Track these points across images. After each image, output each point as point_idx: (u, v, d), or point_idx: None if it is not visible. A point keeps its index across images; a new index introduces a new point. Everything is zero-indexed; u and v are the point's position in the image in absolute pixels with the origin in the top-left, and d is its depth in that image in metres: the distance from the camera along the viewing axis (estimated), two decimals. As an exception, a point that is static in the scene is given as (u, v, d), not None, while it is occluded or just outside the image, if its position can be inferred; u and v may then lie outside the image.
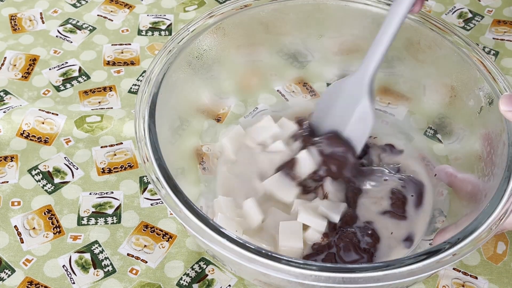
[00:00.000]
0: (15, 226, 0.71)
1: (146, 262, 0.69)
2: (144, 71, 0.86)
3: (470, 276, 0.69)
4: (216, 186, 0.71)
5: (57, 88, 0.84)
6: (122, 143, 0.79)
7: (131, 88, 0.84)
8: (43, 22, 0.92)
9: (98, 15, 0.93)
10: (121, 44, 0.89)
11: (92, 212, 0.73)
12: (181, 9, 0.94)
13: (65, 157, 0.77)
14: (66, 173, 0.76)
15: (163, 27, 0.92)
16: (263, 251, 0.55)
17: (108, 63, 0.87)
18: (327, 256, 0.65)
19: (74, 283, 0.67)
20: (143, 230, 0.71)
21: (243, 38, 0.75)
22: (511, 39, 0.90)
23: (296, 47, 0.78)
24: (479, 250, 0.70)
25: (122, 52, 0.88)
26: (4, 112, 0.80)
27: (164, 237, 0.71)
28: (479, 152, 0.68)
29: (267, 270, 0.54)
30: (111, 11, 0.94)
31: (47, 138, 0.79)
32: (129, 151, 0.78)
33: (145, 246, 0.70)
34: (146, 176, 0.75)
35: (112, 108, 0.81)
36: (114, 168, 0.76)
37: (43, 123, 0.79)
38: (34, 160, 0.77)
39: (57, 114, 0.80)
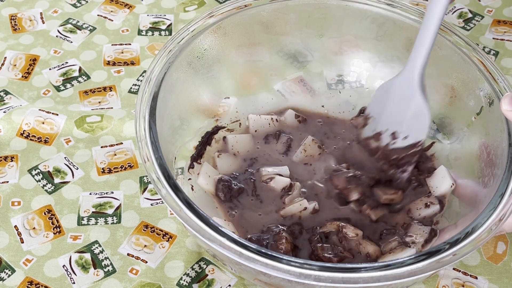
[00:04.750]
0: (15, 226, 0.71)
1: (146, 262, 0.69)
2: (144, 71, 0.86)
3: (470, 276, 0.69)
4: None
5: (57, 88, 0.84)
6: (122, 143, 0.79)
7: (131, 88, 0.84)
8: (43, 22, 0.92)
9: (98, 15, 0.93)
10: (121, 44, 0.89)
11: (92, 212, 0.73)
12: (181, 9, 0.94)
13: (65, 157, 0.77)
14: (66, 173, 0.76)
15: (163, 27, 0.92)
16: (263, 251, 0.55)
17: (108, 63, 0.87)
18: None
19: (74, 283, 0.67)
20: (143, 230, 0.71)
21: (243, 38, 0.75)
22: (511, 39, 0.90)
23: (296, 47, 0.78)
24: (479, 250, 0.70)
25: (122, 52, 0.88)
26: (4, 112, 0.80)
27: (164, 237, 0.71)
28: (479, 152, 0.68)
29: (267, 269, 0.54)
30: (111, 11, 0.94)
31: (47, 138, 0.79)
32: (129, 151, 0.78)
33: (145, 246, 0.70)
34: (146, 176, 0.75)
35: (112, 108, 0.81)
36: (114, 168, 0.76)
37: (43, 123, 0.79)
38: (34, 160, 0.77)
39: (57, 114, 0.80)
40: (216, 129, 0.75)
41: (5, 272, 0.68)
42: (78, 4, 0.94)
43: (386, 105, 0.70)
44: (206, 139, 0.74)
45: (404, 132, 0.69)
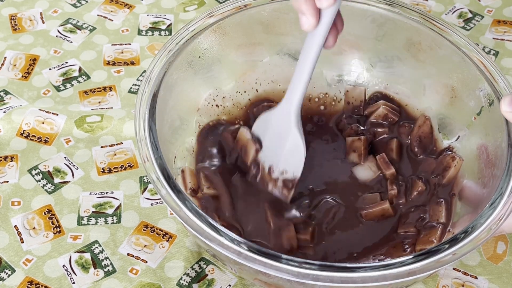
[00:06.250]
0: (15, 226, 0.71)
1: (146, 262, 0.69)
2: (144, 71, 0.86)
3: (470, 276, 0.69)
4: None
5: (57, 88, 0.84)
6: (122, 143, 0.79)
7: (131, 88, 0.84)
8: (43, 22, 0.92)
9: (98, 15, 0.93)
10: (121, 44, 0.89)
11: (92, 212, 0.73)
12: (181, 9, 0.94)
13: (65, 157, 0.77)
14: (66, 173, 0.76)
15: (163, 27, 0.92)
16: (263, 250, 0.55)
17: (108, 63, 0.87)
18: None
19: (74, 283, 0.67)
20: (143, 230, 0.71)
21: (243, 38, 0.75)
22: (511, 39, 0.90)
23: (296, 47, 0.78)
24: (479, 250, 0.70)
25: (122, 52, 0.88)
26: (4, 112, 0.80)
27: (164, 237, 0.71)
28: (479, 152, 0.68)
29: (265, 269, 0.54)
30: (111, 11, 0.94)
31: (47, 138, 0.79)
32: (129, 151, 0.78)
33: (145, 246, 0.70)
34: (146, 176, 0.75)
35: (112, 108, 0.82)
36: (114, 168, 0.76)
37: (43, 123, 0.79)
38: (34, 160, 0.77)
39: (57, 114, 0.80)
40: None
41: (5, 272, 0.68)
42: (78, 4, 0.94)
43: (264, 137, 0.69)
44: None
45: (280, 166, 0.68)
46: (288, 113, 0.67)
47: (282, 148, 0.68)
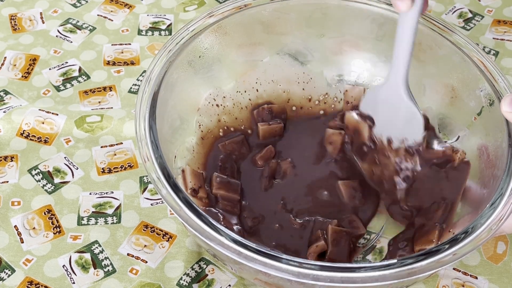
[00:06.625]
0: (15, 226, 0.71)
1: (146, 262, 0.69)
2: (144, 71, 0.86)
3: (470, 276, 0.69)
4: None
5: (57, 88, 0.84)
6: (122, 143, 0.79)
7: (131, 88, 0.84)
8: (43, 22, 0.92)
9: (98, 15, 0.93)
10: (121, 44, 0.89)
11: (92, 212, 0.73)
12: (181, 9, 0.94)
13: (65, 157, 0.77)
14: (66, 173, 0.76)
15: (163, 27, 0.92)
16: (263, 250, 0.55)
17: (108, 63, 0.87)
18: None
19: (74, 283, 0.67)
20: (143, 230, 0.71)
21: (243, 37, 0.75)
22: (511, 39, 0.90)
23: (296, 47, 0.78)
24: (479, 250, 0.70)
25: (122, 52, 0.88)
26: (4, 112, 0.80)
27: (164, 237, 0.71)
28: (479, 153, 0.68)
29: (266, 268, 0.54)
30: (111, 11, 0.94)
31: (47, 138, 0.79)
32: (129, 151, 0.78)
33: (145, 246, 0.70)
34: (146, 176, 0.75)
35: (112, 108, 0.82)
36: (114, 168, 0.76)
37: (43, 123, 0.79)
38: (34, 160, 0.77)
39: (57, 114, 0.80)
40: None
41: (5, 272, 0.68)
42: (78, 4, 0.94)
43: (376, 113, 0.71)
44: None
45: (399, 136, 0.70)
46: (397, 86, 0.67)
47: (396, 119, 0.69)
